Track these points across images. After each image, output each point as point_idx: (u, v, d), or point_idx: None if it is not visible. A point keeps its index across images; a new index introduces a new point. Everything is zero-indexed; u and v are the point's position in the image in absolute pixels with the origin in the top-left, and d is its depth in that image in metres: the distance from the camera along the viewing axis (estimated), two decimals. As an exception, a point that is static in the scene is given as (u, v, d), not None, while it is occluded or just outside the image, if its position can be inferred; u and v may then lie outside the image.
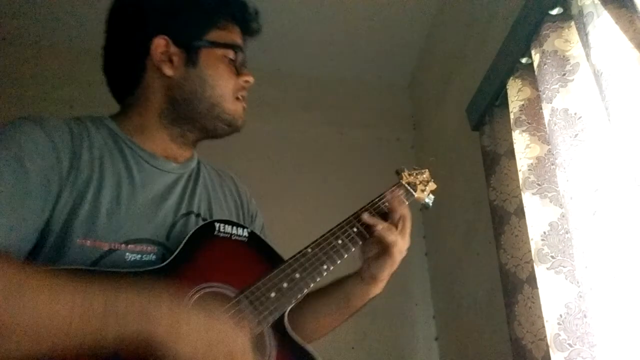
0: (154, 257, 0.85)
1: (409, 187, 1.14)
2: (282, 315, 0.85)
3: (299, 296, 0.87)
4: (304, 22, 2.39)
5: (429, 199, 1.17)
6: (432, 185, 1.18)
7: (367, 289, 1.02)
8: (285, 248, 1.00)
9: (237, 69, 1.01)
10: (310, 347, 0.85)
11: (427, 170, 1.20)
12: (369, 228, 0.99)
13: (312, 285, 0.89)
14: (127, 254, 0.82)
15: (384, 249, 0.98)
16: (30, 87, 2.21)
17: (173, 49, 0.95)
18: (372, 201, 1.05)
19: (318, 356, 0.84)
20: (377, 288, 1.03)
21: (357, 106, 2.63)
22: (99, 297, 0.63)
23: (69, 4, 2.21)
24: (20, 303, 0.59)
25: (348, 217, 1.01)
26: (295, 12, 2.34)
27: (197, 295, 0.78)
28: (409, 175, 1.17)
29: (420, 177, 1.17)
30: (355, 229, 0.98)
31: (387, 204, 1.04)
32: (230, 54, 0.99)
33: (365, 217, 1.00)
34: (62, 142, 0.83)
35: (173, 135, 0.99)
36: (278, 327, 0.84)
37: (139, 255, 0.83)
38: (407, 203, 1.08)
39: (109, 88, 1.01)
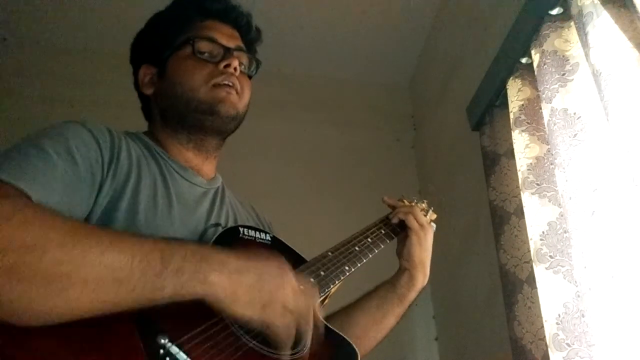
0: None
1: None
2: None
3: (326, 290, 0.92)
4: (304, 22, 2.40)
5: (432, 226, 1.24)
6: (432, 215, 1.27)
7: (410, 275, 1.13)
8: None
9: (212, 59, 1.03)
10: (342, 334, 0.89)
11: (425, 201, 1.29)
12: (382, 238, 1.12)
13: (337, 282, 0.95)
14: None
15: (406, 234, 1.14)
16: (30, 87, 2.21)
17: (151, 69, 1.07)
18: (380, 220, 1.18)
19: (351, 341, 0.88)
20: (419, 272, 1.14)
21: (357, 106, 2.63)
22: (155, 252, 0.66)
23: (69, 4, 2.22)
24: (82, 254, 0.62)
25: (360, 231, 1.12)
26: (296, 13, 2.35)
27: None
28: (409, 202, 1.26)
29: (420, 205, 1.26)
30: (369, 239, 1.09)
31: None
32: (188, 48, 1.03)
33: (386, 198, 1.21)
34: (103, 138, 0.89)
35: (182, 141, 1.04)
36: None
37: None
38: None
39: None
